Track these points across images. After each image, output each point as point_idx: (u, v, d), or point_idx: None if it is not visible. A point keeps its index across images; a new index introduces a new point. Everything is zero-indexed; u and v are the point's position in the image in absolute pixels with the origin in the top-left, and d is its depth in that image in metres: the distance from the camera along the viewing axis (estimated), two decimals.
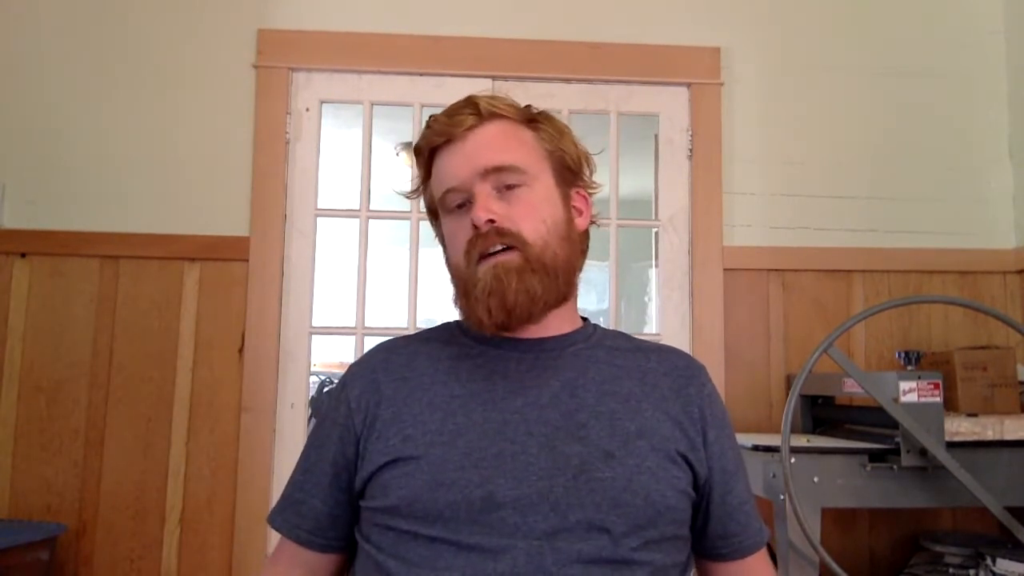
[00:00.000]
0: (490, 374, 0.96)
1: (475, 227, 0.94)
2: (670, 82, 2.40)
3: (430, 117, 1.01)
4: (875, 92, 2.44)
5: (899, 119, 2.43)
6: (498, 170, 0.96)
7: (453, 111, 1.00)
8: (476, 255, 0.94)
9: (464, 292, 0.96)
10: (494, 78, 2.33)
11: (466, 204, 0.97)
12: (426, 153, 1.02)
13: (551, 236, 0.96)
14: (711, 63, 2.39)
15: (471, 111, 0.99)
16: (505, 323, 0.94)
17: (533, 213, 0.96)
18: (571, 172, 1.03)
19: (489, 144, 0.97)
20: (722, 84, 2.39)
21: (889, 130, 2.43)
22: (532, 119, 1.02)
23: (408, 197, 1.09)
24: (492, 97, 1.01)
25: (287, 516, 1.00)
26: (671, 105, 2.41)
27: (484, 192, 0.95)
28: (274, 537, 1.19)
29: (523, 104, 1.04)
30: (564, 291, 0.98)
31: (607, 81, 2.38)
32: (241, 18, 2.34)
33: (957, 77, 2.46)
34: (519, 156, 0.98)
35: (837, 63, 2.44)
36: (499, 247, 0.93)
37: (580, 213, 1.03)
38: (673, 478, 0.92)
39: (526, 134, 1.00)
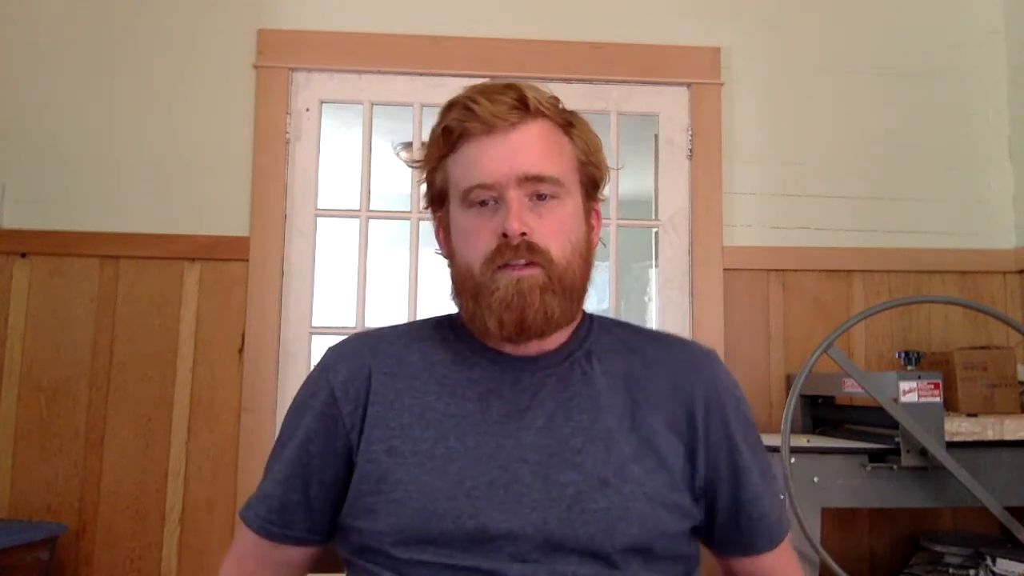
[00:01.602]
0: (485, 393, 0.93)
1: (505, 235, 0.89)
2: (670, 82, 2.40)
3: (467, 96, 0.94)
4: (875, 92, 2.44)
5: (899, 119, 2.43)
6: (539, 179, 0.91)
7: (494, 96, 0.92)
8: (498, 264, 0.90)
9: (474, 295, 0.92)
10: (494, 78, 2.32)
11: (490, 202, 0.92)
12: (455, 134, 0.94)
13: (573, 256, 0.93)
14: (711, 63, 2.39)
15: (516, 103, 0.92)
16: (515, 339, 0.91)
17: (562, 231, 0.92)
18: (595, 188, 1.00)
19: (532, 148, 0.92)
20: (722, 84, 2.39)
21: (889, 130, 2.43)
22: (569, 123, 0.97)
23: (412, 165, 1.01)
24: (536, 90, 0.95)
25: (271, 518, 0.95)
26: (671, 105, 2.41)
27: (518, 199, 0.90)
28: None
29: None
30: (575, 311, 0.96)
31: (607, 81, 2.38)
32: (241, 18, 2.34)
33: (957, 77, 2.46)
34: (559, 168, 0.93)
35: (837, 63, 2.44)
36: (523, 262, 0.89)
37: (593, 229, 1.00)
38: (670, 499, 0.90)
39: (564, 141, 0.96)
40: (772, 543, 0.98)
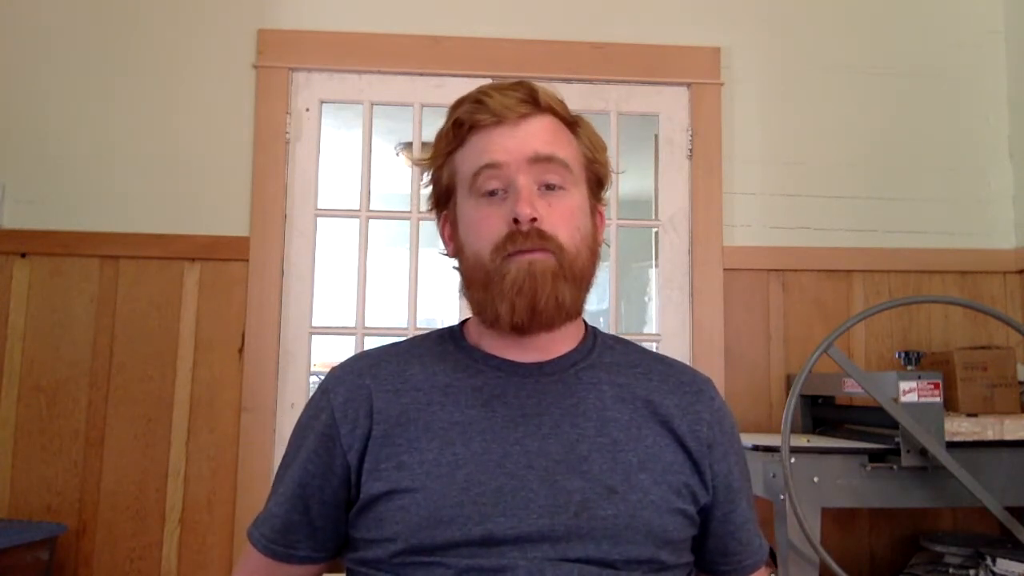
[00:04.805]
0: (489, 400, 0.92)
1: (516, 221, 0.89)
2: (670, 82, 2.40)
3: (477, 91, 0.95)
4: (875, 92, 2.44)
5: (899, 119, 2.43)
6: (548, 160, 0.92)
7: (506, 90, 0.94)
8: (508, 251, 0.89)
9: (484, 284, 0.91)
10: (494, 78, 2.33)
11: (499, 192, 0.92)
12: (465, 127, 0.94)
13: (582, 245, 0.93)
14: (711, 63, 2.39)
15: (526, 97, 0.94)
16: (526, 325, 0.90)
17: (570, 220, 0.92)
18: (600, 187, 1.00)
19: (541, 134, 0.93)
20: (722, 84, 2.39)
21: (889, 130, 2.43)
22: (575, 122, 0.98)
23: (419, 164, 1.01)
24: (545, 88, 0.96)
25: (275, 537, 0.95)
26: (671, 105, 2.41)
27: (528, 186, 0.90)
28: None
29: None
30: (583, 302, 0.95)
31: (607, 81, 2.38)
32: (241, 18, 2.34)
33: (957, 77, 2.46)
34: (568, 154, 0.95)
35: (837, 63, 2.44)
36: (533, 247, 0.89)
37: (597, 228, 1.00)
38: (676, 510, 0.90)
39: (571, 137, 0.97)
40: (755, 567, 1.01)
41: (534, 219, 0.89)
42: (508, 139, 0.92)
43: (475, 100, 0.94)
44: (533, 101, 0.94)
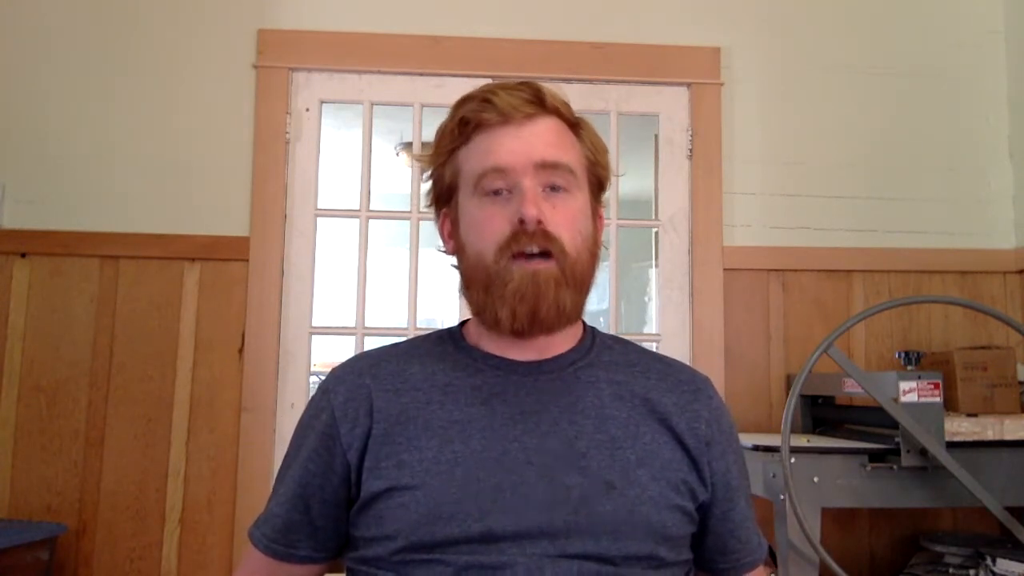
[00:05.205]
0: (489, 398, 0.92)
1: (521, 222, 0.89)
2: (670, 82, 2.40)
3: (483, 89, 0.95)
4: (875, 92, 2.44)
5: (899, 119, 2.43)
6: (554, 166, 0.92)
7: (512, 90, 0.94)
8: (513, 251, 0.89)
9: (485, 286, 0.91)
10: (494, 78, 2.33)
11: (504, 192, 0.92)
12: (471, 125, 0.94)
13: (583, 248, 0.93)
14: (711, 63, 2.39)
15: (532, 97, 0.94)
16: (526, 330, 0.91)
17: (573, 223, 0.93)
18: (600, 189, 1.01)
19: (546, 138, 0.93)
20: (722, 84, 2.39)
21: (889, 130, 2.43)
22: (578, 124, 0.99)
23: (419, 160, 1.03)
24: (550, 89, 0.96)
25: (276, 537, 0.95)
26: (671, 105, 2.41)
27: (533, 188, 0.91)
28: None
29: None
30: (583, 305, 0.96)
31: (607, 81, 2.38)
32: (241, 18, 2.34)
33: (957, 77, 2.46)
34: (572, 159, 0.95)
35: (837, 63, 2.44)
36: (536, 250, 0.89)
37: (597, 231, 1.00)
38: (675, 506, 0.90)
39: (575, 139, 0.98)
40: (754, 564, 1.01)
41: (539, 221, 0.89)
42: (513, 140, 0.92)
43: (481, 99, 0.94)
44: (539, 102, 0.94)
